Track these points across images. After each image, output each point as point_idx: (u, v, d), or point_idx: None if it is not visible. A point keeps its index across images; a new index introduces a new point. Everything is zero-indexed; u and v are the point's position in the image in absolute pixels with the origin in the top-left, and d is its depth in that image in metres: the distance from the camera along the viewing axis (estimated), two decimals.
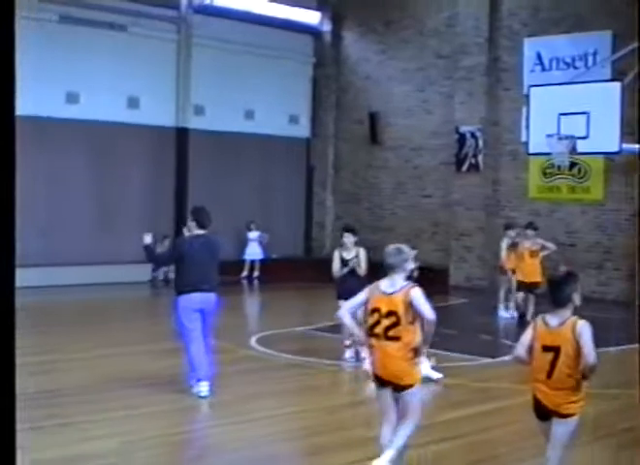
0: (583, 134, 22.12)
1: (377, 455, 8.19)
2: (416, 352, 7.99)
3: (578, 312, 7.21)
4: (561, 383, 7.03)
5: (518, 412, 11.73)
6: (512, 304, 19.91)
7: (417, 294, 7.87)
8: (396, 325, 7.85)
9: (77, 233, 24.76)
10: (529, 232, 19.07)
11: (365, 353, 14.13)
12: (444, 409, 11.19)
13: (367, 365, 11.86)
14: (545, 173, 25.39)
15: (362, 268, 14.30)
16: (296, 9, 29.76)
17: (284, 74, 29.44)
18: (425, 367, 11.59)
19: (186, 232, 12.75)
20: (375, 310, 7.96)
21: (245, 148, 28.54)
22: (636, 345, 13.46)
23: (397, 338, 7.86)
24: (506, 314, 20.04)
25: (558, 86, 22.64)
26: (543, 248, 18.91)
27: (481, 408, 11.79)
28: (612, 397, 11.75)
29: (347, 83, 30.22)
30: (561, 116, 21.78)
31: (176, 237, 13.75)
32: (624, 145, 20.93)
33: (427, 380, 11.42)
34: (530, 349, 7.23)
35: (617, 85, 21.16)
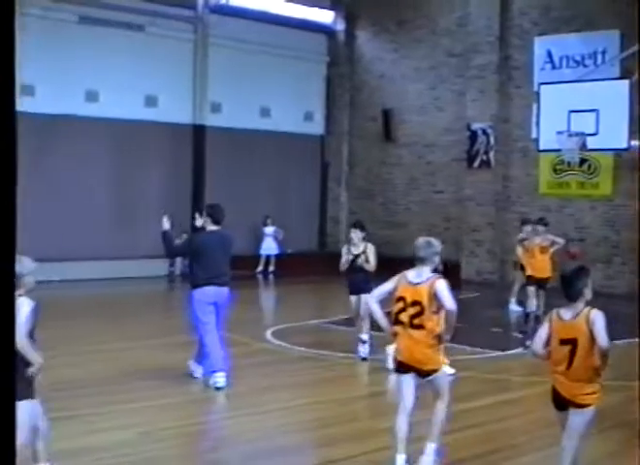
0: (592, 131, 22.39)
1: (389, 447, 8.45)
2: (439, 339, 8.29)
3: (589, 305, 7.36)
4: (580, 374, 7.18)
5: (532, 402, 11.92)
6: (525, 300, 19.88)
7: (442, 286, 8.20)
8: (420, 314, 8.16)
9: (95, 229, 24.98)
10: (540, 227, 18.88)
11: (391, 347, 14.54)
12: (459, 400, 10.90)
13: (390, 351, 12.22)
14: (555, 170, 25.67)
15: (370, 264, 14.28)
16: (310, 8, 30.01)
17: (299, 72, 29.74)
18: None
19: (197, 223, 13.01)
20: (401, 298, 8.28)
21: (261, 145, 28.83)
22: None
23: (421, 326, 8.17)
24: (518, 308, 20.16)
25: (568, 84, 22.94)
26: (553, 244, 18.85)
27: (496, 398, 11.91)
28: (618, 389, 11.69)
29: (361, 82, 30.51)
30: (571, 113, 22.06)
31: (192, 233, 14.07)
32: (633, 142, 21.29)
33: None
34: (547, 343, 7.40)
35: (625, 83, 21.49)
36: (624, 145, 21.58)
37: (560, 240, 19.00)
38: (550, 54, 25.62)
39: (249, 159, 28.56)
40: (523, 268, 19.45)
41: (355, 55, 30.63)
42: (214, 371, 12.00)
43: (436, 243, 8.55)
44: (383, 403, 11.53)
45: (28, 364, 7.46)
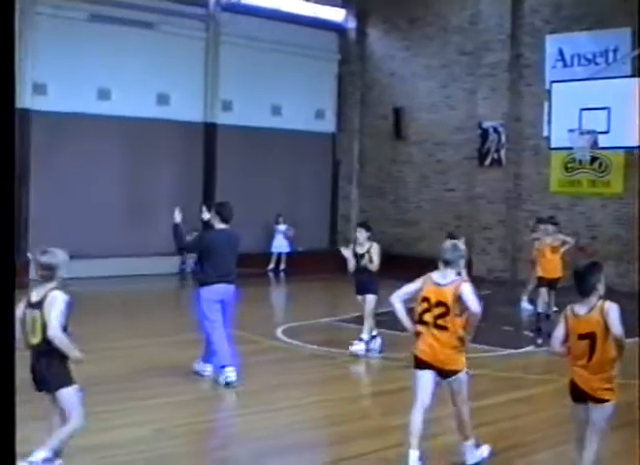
0: (604, 129, 22.39)
1: (400, 444, 8.49)
2: (462, 341, 8.43)
3: None
4: (600, 367, 7.31)
5: (545, 400, 12.01)
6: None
7: (467, 289, 8.37)
8: (444, 315, 8.31)
9: (107, 226, 25.00)
10: (550, 227, 18.74)
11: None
12: (471, 397, 10.82)
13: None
14: (566, 168, 25.66)
15: (374, 264, 14.35)
16: (321, 6, 30.05)
17: (310, 70, 29.74)
18: None
19: (204, 216, 13.07)
20: (425, 299, 8.43)
21: (272, 143, 28.85)
22: None
23: (445, 327, 8.32)
24: (529, 306, 20.05)
25: (579, 82, 22.94)
26: (564, 244, 18.72)
27: (508, 396, 11.94)
28: (625, 388, 11.77)
29: (372, 80, 30.51)
30: (583, 111, 22.06)
31: (203, 230, 14.09)
32: None
33: None
34: (565, 340, 7.51)
35: (637, 81, 21.47)
36: (636, 143, 21.56)
37: (571, 240, 18.91)
38: (561, 52, 25.61)
39: (260, 157, 28.60)
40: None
41: (366, 53, 30.65)
42: (223, 366, 12.07)
43: (462, 247, 8.81)
44: (394, 401, 11.55)
45: (63, 355, 7.57)
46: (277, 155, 29.04)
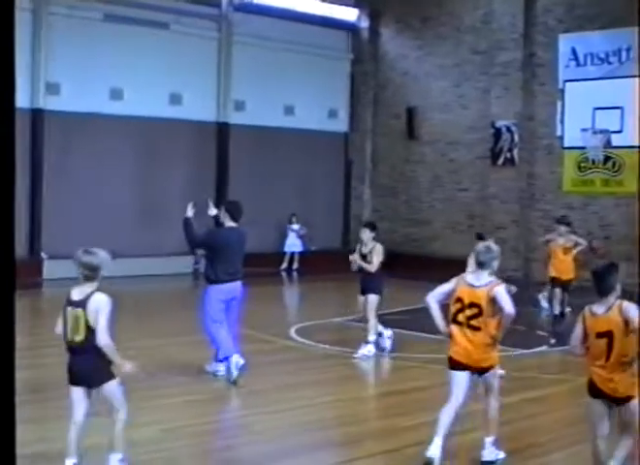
0: (617, 128, 22.42)
1: (411, 445, 8.65)
2: (495, 339, 8.56)
3: None
4: (618, 365, 7.37)
5: (559, 400, 12.04)
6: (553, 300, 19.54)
7: (501, 291, 8.50)
8: (478, 315, 8.45)
9: (119, 226, 25.00)
10: (562, 228, 18.55)
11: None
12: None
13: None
14: (580, 167, 25.58)
15: (372, 264, 14.33)
16: (334, 6, 30.06)
17: (323, 70, 29.78)
18: None
19: (210, 212, 13.11)
20: (459, 300, 8.57)
21: (285, 142, 28.91)
22: None
23: (478, 328, 8.46)
24: (547, 305, 19.51)
25: (592, 81, 22.95)
26: (576, 245, 18.54)
27: (522, 396, 11.89)
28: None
29: (385, 79, 30.51)
30: (596, 111, 22.10)
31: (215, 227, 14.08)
32: None
33: None
34: (584, 340, 7.59)
35: None
36: None
37: (584, 242, 18.72)
38: (574, 52, 25.55)
39: (273, 157, 28.64)
40: None
41: (379, 53, 30.65)
42: (228, 357, 12.07)
43: (496, 249, 8.86)
44: (406, 401, 11.58)
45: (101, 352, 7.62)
46: (290, 155, 29.06)
